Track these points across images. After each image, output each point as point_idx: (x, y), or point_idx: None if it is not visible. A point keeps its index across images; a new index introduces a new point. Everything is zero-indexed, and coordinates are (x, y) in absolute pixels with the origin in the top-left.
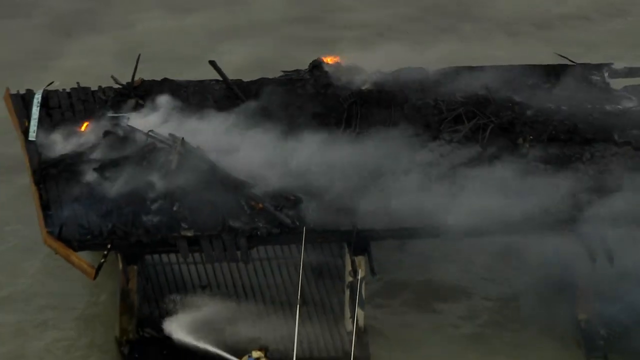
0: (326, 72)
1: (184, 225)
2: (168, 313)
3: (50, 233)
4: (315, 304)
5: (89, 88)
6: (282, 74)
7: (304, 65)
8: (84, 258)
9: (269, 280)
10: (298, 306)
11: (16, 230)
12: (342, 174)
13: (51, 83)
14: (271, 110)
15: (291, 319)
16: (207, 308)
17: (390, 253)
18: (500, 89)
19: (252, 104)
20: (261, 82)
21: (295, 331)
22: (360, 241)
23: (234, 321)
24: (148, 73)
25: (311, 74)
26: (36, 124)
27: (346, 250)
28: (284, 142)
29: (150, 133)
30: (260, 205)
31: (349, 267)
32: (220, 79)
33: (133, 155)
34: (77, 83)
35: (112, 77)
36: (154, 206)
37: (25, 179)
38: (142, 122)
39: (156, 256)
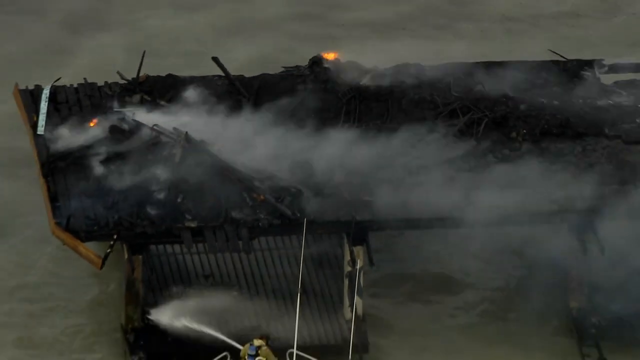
0: (325, 68)
1: (187, 216)
2: (172, 301)
3: (58, 224)
4: (315, 293)
5: (96, 83)
6: (282, 70)
7: (307, 62)
8: (91, 248)
9: (270, 270)
10: (298, 295)
11: (29, 222)
12: (341, 167)
13: (59, 79)
14: (272, 105)
15: (292, 307)
16: (210, 297)
17: (389, 244)
18: (495, 84)
19: (253, 99)
20: (262, 78)
21: (295, 319)
22: (358, 232)
23: (236, 310)
24: (154, 69)
25: (311, 70)
26: (44, 118)
27: (345, 240)
28: (284, 136)
29: (155, 127)
30: (262, 197)
31: (347, 257)
32: (223, 74)
33: (138, 148)
34: (84, 79)
35: (118, 72)
36: (159, 198)
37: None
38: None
39: (161, 246)
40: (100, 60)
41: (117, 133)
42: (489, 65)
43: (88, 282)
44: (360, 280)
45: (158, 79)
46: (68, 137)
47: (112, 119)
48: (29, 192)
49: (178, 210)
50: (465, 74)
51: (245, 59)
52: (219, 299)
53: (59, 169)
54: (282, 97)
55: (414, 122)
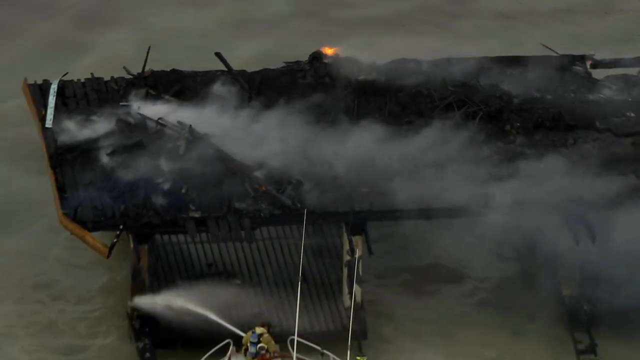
0: (325, 63)
1: (191, 207)
2: (176, 289)
3: (66, 215)
4: (315, 281)
5: (102, 78)
6: (284, 65)
7: (307, 58)
8: (98, 238)
9: (271, 259)
10: (299, 283)
11: (41, 213)
12: (340, 159)
13: (66, 74)
14: (273, 99)
15: (292, 295)
16: (213, 285)
17: (387, 234)
18: (489, 79)
19: (255, 93)
20: (264, 73)
21: (296, 307)
22: (357, 222)
23: (238, 298)
24: (159, 64)
25: (311, 65)
26: (52, 112)
27: (344, 230)
28: (285, 129)
29: (159, 120)
30: (264, 188)
31: (347, 247)
32: (226, 69)
33: (144, 141)
34: (91, 74)
35: (124, 67)
36: (164, 189)
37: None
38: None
39: (165, 236)
40: (108, 55)
41: (123, 126)
42: (482, 60)
43: (98, 270)
44: (358, 268)
45: (163, 73)
46: (75, 130)
47: (118, 113)
48: (41, 183)
49: (182, 200)
50: (460, 68)
51: (247, 54)
52: (221, 287)
53: (66, 161)
54: (283, 91)
55: (411, 115)
